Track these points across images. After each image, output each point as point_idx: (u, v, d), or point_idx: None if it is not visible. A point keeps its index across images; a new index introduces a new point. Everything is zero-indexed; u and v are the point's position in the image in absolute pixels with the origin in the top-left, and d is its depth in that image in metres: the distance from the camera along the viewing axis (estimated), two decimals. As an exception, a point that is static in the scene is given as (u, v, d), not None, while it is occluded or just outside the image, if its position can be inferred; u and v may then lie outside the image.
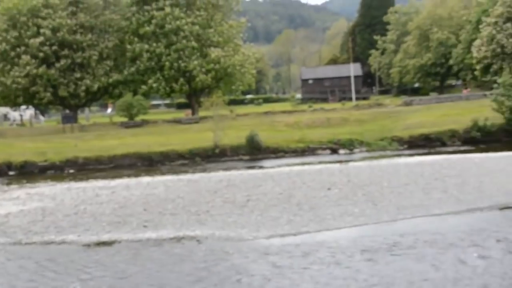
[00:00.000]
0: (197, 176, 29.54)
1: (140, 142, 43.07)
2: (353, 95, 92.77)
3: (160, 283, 13.34)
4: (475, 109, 44.81)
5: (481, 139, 39.71)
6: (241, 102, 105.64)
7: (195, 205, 21.36)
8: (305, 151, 39.24)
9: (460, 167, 26.99)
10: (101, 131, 54.52)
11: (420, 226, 17.22)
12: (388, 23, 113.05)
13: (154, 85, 64.07)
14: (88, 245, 17.08)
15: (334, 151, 39.04)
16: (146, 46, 63.08)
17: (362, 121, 49.57)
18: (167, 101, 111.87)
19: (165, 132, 51.48)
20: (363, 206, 19.86)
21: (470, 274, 12.96)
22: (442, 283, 12.45)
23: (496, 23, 65.05)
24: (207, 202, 21.82)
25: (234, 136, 41.13)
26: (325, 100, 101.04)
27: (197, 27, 63.22)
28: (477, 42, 68.60)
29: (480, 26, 69.50)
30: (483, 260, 13.92)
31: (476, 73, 70.41)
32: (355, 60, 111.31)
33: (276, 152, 39.24)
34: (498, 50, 63.75)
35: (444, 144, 39.67)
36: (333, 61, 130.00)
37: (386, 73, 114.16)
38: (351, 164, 31.27)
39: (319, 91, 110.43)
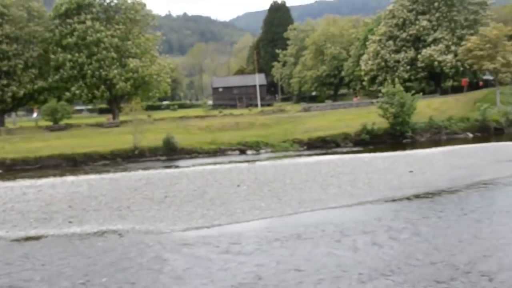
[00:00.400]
0: (118, 175, 28.94)
1: (64, 144, 41.85)
2: (259, 102, 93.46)
3: (85, 273, 13.01)
4: (364, 115, 45.95)
5: (369, 141, 40.83)
6: (158, 108, 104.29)
7: (117, 201, 20.97)
8: (216, 152, 39.24)
9: (352, 166, 27.57)
10: (27, 134, 52.61)
11: (319, 218, 17.54)
12: (288, 39, 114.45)
13: (77, 92, 62.54)
14: (16, 240, 16.47)
15: (242, 152, 39.21)
16: (69, 56, 61.49)
17: (267, 125, 49.94)
18: (90, 107, 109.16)
19: (88, 135, 50.26)
20: (268, 201, 20.03)
21: (363, 258, 13.29)
22: (340, 266, 12.72)
23: (380, 40, 67.04)
24: (128, 198, 21.46)
25: (152, 138, 40.65)
26: (233, 106, 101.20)
27: (116, 40, 62.22)
28: (364, 57, 70.44)
29: (367, 43, 71.49)
30: (373, 246, 14.31)
31: (364, 83, 72.26)
32: (260, 71, 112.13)
33: (191, 153, 39.06)
34: (382, 64, 65.74)
35: (338, 145, 40.51)
36: (241, 72, 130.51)
37: (287, 83, 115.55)
38: (257, 163, 31.41)
39: (229, 98, 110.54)
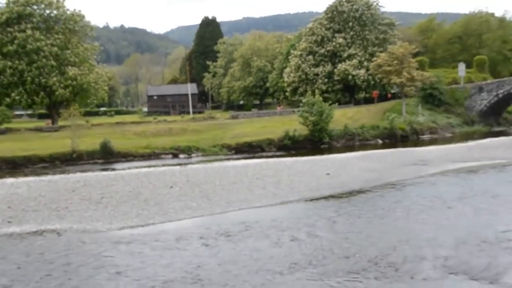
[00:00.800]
0: (57, 177, 28.05)
1: (4, 147, 40.15)
2: (191, 110, 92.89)
3: (24, 270, 12.59)
4: (286, 122, 46.32)
5: (291, 146, 41.23)
6: (96, 114, 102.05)
7: (55, 202, 20.35)
8: (151, 155, 38.66)
9: (276, 169, 27.77)
10: (-33, 138, 50.31)
11: (246, 216, 17.61)
12: (218, 52, 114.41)
13: (17, 97, 60.20)
14: (-44, 240, 15.74)
15: (175, 155, 38.81)
16: (9, 63, 59.15)
17: (198, 131, 49.67)
18: (30, 112, 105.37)
19: (27, 139, 48.45)
20: (199, 201, 19.95)
21: (285, 253, 13.46)
22: (265, 260, 12.82)
23: (301, 55, 67.94)
24: (66, 199, 20.86)
25: (90, 142, 39.65)
26: (167, 113, 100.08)
27: (56, 48, 60.34)
28: (287, 70, 71.15)
29: (289, 57, 72.27)
30: (294, 241, 14.51)
31: (287, 94, 72.90)
32: (192, 80, 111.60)
33: (127, 157, 38.31)
34: (303, 76, 66.62)
35: (263, 150, 40.68)
36: (174, 81, 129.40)
37: (217, 92, 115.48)
38: (189, 166, 31.17)
39: (163, 105, 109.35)
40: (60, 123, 57.65)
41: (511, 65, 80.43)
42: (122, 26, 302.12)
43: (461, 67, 63.04)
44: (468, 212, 17.43)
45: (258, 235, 15.30)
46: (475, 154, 31.82)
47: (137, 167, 32.06)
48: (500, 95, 51.55)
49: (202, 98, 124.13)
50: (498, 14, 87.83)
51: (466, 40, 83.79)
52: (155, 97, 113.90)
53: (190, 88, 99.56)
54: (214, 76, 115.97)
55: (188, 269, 12.36)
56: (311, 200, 20.26)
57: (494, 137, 42.11)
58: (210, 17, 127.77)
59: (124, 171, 30.30)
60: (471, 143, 37.76)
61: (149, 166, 32.22)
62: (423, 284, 11.22)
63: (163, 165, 32.99)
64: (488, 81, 56.96)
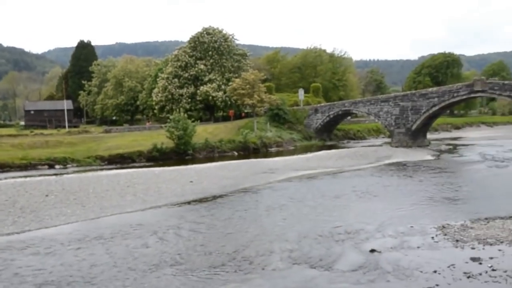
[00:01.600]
0: None
1: None
2: (66, 124, 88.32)
3: None
4: (155, 136, 45.46)
5: (159, 157, 40.49)
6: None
7: None
8: (27, 166, 35.75)
9: (145, 177, 27.09)
10: None
11: (118, 221, 16.96)
12: (93, 72, 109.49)
13: None
14: None
15: (51, 166, 36.30)
16: None
17: (73, 144, 46.93)
18: None
19: None
20: (74, 208, 18.86)
21: (153, 252, 13.12)
22: (135, 260, 12.39)
23: (168, 78, 67.16)
24: None
25: (-35, 154, 35.94)
26: (44, 127, 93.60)
27: None
28: (155, 90, 69.92)
29: (157, 79, 71.14)
30: (162, 242, 14.20)
31: (155, 111, 71.60)
32: (68, 97, 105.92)
33: (3, 167, 35.05)
34: (169, 96, 65.88)
35: (134, 161, 39.50)
36: (51, 97, 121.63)
37: (92, 108, 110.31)
38: (65, 176, 29.27)
39: (39, 120, 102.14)
40: None
41: (339, 91, 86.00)
42: (0, 44, 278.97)
43: (301, 92, 66.54)
44: (309, 211, 18.25)
45: (129, 237, 14.78)
46: (313, 164, 33.43)
47: (14, 177, 29.46)
48: (331, 116, 54.82)
49: (78, 113, 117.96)
50: (329, 50, 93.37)
51: (305, 70, 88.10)
52: (32, 112, 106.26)
53: (66, 104, 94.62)
54: (89, 94, 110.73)
55: (62, 272, 11.61)
56: (177, 204, 20.02)
57: (327, 149, 44.56)
58: (85, 41, 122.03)
59: (1, 181, 27.75)
60: (309, 155, 39.60)
61: (26, 176, 29.76)
62: (272, 274, 11.50)
63: (40, 175, 30.69)
64: (322, 104, 60.35)
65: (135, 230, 15.61)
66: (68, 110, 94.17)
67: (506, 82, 43.67)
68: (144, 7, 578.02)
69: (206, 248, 13.51)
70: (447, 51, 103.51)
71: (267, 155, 43.40)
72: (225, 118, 65.95)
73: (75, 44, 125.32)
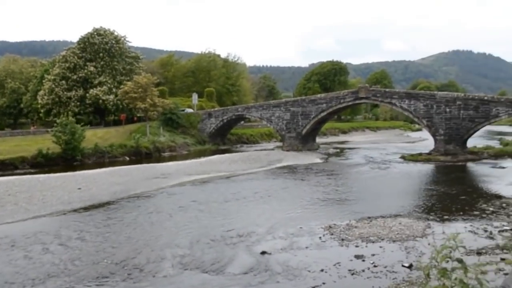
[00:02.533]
0: None
1: None
2: None
3: None
4: (40, 141, 42.90)
5: (45, 163, 38.25)
6: None
7: None
8: None
9: (29, 185, 25.40)
10: None
11: (-4, 232, 15.72)
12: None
13: None
14: None
15: None
16: None
17: None
18: None
19: None
20: None
21: (36, 265, 12.35)
22: (16, 273, 11.57)
23: (55, 80, 63.84)
24: None
25: None
26: None
27: None
28: (41, 93, 66.10)
29: (44, 81, 67.33)
30: (46, 253, 13.40)
31: (41, 115, 67.69)
32: None
33: None
34: (56, 99, 62.62)
35: (16, 168, 36.90)
36: None
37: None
38: None
39: None
40: None
41: (232, 96, 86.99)
42: None
43: (194, 96, 66.37)
44: (201, 216, 18.20)
45: (9, 249, 13.77)
46: (206, 168, 33.46)
47: None
48: (225, 120, 55.27)
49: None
50: (223, 55, 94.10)
51: (198, 75, 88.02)
52: None
53: None
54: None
55: None
56: (63, 213, 19.01)
57: (221, 154, 44.80)
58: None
59: None
60: (203, 159, 39.58)
61: None
62: (163, 281, 11.31)
63: None
64: (216, 109, 60.62)
65: (15, 241, 14.59)
66: None
67: (387, 89, 46.91)
68: (30, 4, 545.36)
69: (94, 257, 12.97)
70: (335, 60, 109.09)
71: (160, 160, 42.75)
72: (117, 122, 63.97)
73: None
